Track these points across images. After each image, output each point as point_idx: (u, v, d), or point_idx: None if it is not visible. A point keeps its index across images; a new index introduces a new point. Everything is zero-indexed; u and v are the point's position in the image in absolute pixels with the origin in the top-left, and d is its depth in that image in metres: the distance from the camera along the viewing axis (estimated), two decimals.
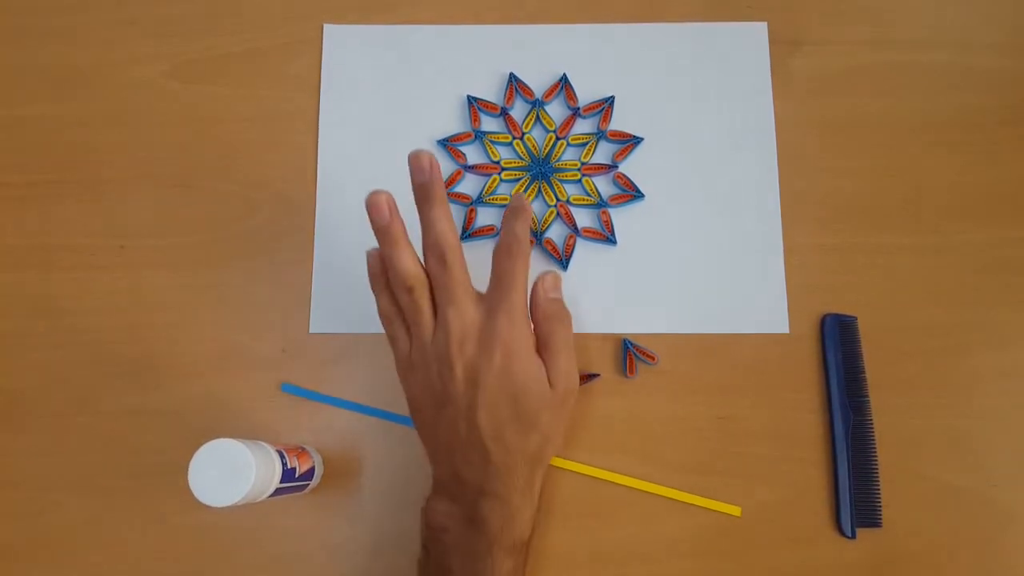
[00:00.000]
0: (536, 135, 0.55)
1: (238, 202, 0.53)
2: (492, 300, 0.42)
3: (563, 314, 0.44)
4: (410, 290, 0.42)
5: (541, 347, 0.43)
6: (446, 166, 0.54)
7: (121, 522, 0.49)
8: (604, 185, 0.54)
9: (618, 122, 0.55)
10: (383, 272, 0.44)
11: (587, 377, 0.50)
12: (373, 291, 0.45)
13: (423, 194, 0.41)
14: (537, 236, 0.53)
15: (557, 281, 0.45)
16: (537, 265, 0.52)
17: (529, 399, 0.42)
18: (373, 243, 0.52)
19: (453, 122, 0.55)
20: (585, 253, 0.53)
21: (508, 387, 0.41)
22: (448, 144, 0.54)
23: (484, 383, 0.41)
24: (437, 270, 0.42)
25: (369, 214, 0.42)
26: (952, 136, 0.54)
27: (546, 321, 0.44)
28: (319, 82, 0.55)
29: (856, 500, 0.49)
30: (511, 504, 0.42)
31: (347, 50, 0.56)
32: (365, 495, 0.50)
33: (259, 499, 0.41)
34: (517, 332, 0.42)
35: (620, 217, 0.53)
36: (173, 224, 0.53)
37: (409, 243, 0.43)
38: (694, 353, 0.51)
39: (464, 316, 0.42)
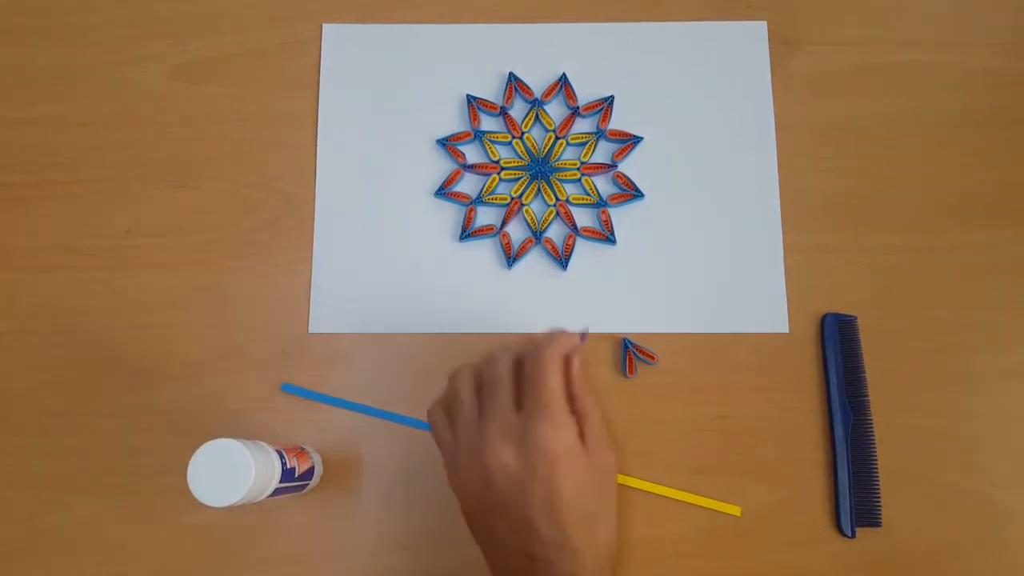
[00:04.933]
0: (535, 134, 0.55)
1: (238, 202, 0.54)
2: (528, 404, 0.40)
3: (594, 402, 0.43)
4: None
5: (581, 430, 0.41)
6: (445, 165, 0.54)
7: (121, 522, 0.49)
8: (604, 184, 0.54)
9: (618, 121, 0.55)
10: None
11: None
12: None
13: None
14: (536, 236, 0.53)
15: (583, 367, 0.43)
16: (537, 265, 0.53)
17: (585, 500, 0.40)
18: (372, 242, 0.53)
19: (452, 121, 0.55)
20: (585, 252, 0.53)
21: (560, 493, 0.39)
22: (447, 143, 0.54)
23: (531, 492, 0.39)
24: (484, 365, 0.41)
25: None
26: (952, 136, 0.54)
27: (581, 403, 0.42)
28: (319, 82, 0.55)
29: (856, 500, 0.49)
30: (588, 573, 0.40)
31: (346, 50, 0.56)
32: (365, 495, 0.50)
33: (258, 499, 0.41)
34: (559, 436, 0.39)
35: (620, 217, 0.53)
36: (173, 224, 0.53)
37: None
38: (694, 353, 0.51)
39: (502, 419, 0.40)
